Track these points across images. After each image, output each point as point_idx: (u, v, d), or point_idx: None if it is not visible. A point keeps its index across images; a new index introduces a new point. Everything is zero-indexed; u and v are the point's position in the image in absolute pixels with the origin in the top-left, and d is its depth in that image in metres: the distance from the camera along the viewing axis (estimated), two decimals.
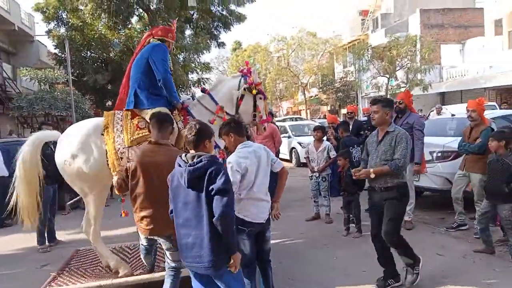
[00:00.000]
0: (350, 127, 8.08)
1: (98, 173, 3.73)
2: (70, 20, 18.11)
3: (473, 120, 5.14)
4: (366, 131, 6.89)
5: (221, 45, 22.12)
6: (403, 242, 3.65)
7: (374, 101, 3.77)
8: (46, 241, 5.71)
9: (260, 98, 4.16)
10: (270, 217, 3.26)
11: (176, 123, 3.81)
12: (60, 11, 18.29)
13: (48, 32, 18.42)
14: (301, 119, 23.75)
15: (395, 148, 3.50)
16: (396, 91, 19.47)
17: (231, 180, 2.62)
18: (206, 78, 23.67)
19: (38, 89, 16.62)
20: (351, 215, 5.44)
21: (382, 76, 20.63)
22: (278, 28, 71.13)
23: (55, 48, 19.02)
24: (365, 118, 8.96)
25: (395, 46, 18.66)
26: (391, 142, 3.53)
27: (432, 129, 6.69)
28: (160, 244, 3.26)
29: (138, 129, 3.77)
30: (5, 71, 17.77)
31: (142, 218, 3.08)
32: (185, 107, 4.02)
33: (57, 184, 5.95)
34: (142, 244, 3.37)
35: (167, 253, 3.14)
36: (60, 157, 3.83)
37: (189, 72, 20.29)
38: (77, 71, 17.93)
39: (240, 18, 20.66)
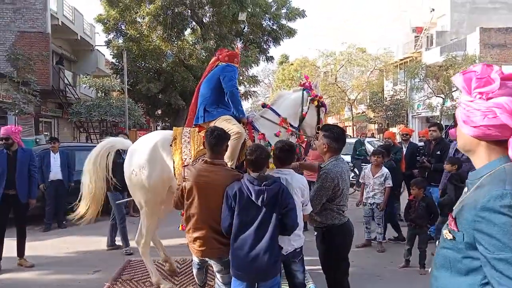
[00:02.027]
0: (404, 150, 7.73)
1: (157, 187, 3.83)
2: (128, 32, 19.06)
3: None
4: (423, 157, 6.51)
5: (269, 59, 22.31)
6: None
7: (322, 127, 3.50)
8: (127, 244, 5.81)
9: (323, 112, 4.22)
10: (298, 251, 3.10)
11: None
12: (120, 23, 19.32)
13: (108, 42, 19.49)
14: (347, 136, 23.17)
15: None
16: (452, 112, 18.56)
17: None
18: (253, 91, 23.95)
19: (95, 96, 17.51)
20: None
21: (436, 96, 19.75)
22: (326, 43, 70.79)
23: (112, 58, 20.06)
24: (422, 144, 8.48)
25: (452, 66, 17.84)
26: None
27: None
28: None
29: (204, 140, 3.80)
30: (66, 78, 18.90)
31: (195, 239, 3.01)
32: (250, 122, 4.05)
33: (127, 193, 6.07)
34: (194, 261, 3.33)
35: (218, 275, 3.08)
36: (129, 166, 3.98)
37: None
38: (132, 80, 18.77)
39: (291, 32, 20.74)
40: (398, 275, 4.90)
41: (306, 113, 4.13)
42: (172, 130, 4.16)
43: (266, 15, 19.96)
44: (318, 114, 4.18)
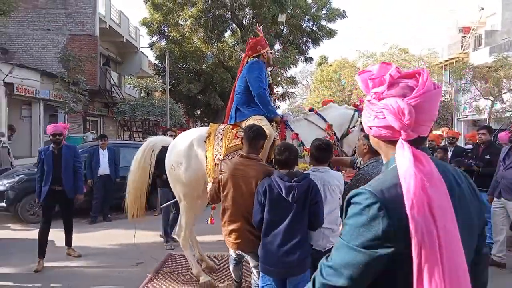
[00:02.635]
0: (449, 153, 7.43)
1: (193, 182, 3.98)
2: (171, 34, 19.61)
3: None
4: (471, 160, 6.21)
5: (308, 60, 22.14)
6: None
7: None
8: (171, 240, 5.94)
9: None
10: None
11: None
12: (163, 26, 19.93)
13: (151, 44, 20.15)
14: None
15: None
16: (501, 115, 17.54)
17: None
18: (291, 92, 23.86)
19: (139, 96, 18.17)
20: None
21: (484, 98, 18.76)
22: (367, 44, 69.31)
23: (155, 59, 20.74)
24: (470, 146, 8.12)
25: (503, 67, 16.84)
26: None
27: None
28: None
29: (236, 137, 3.89)
30: (112, 78, 19.75)
31: (231, 232, 3.07)
32: (283, 121, 4.05)
33: None
34: (231, 256, 3.38)
35: (254, 271, 3.11)
36: (168, 162, 4.17)
37: (275, 86, 20.61)
38: (173, 81, 19.31)
39: (331, 33, 20.49)
40: None
41: (352, 131, 4.14)
42: None
43: (306, 16, 19.84)
44: None
